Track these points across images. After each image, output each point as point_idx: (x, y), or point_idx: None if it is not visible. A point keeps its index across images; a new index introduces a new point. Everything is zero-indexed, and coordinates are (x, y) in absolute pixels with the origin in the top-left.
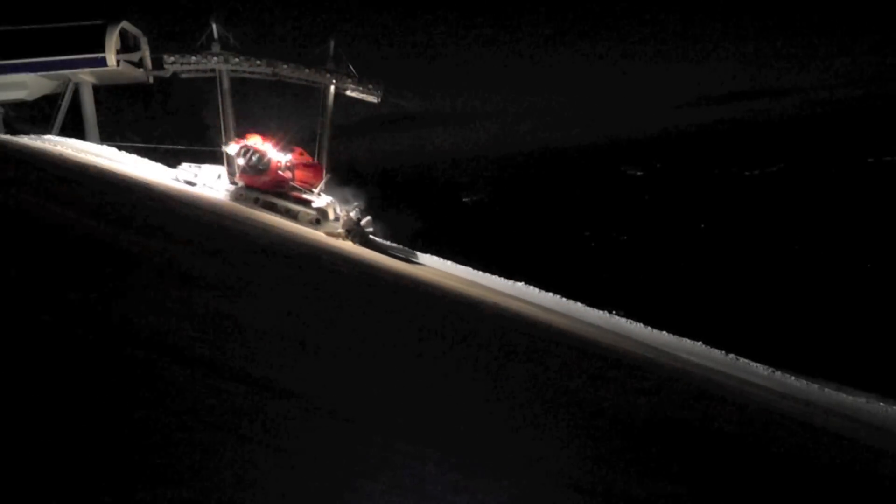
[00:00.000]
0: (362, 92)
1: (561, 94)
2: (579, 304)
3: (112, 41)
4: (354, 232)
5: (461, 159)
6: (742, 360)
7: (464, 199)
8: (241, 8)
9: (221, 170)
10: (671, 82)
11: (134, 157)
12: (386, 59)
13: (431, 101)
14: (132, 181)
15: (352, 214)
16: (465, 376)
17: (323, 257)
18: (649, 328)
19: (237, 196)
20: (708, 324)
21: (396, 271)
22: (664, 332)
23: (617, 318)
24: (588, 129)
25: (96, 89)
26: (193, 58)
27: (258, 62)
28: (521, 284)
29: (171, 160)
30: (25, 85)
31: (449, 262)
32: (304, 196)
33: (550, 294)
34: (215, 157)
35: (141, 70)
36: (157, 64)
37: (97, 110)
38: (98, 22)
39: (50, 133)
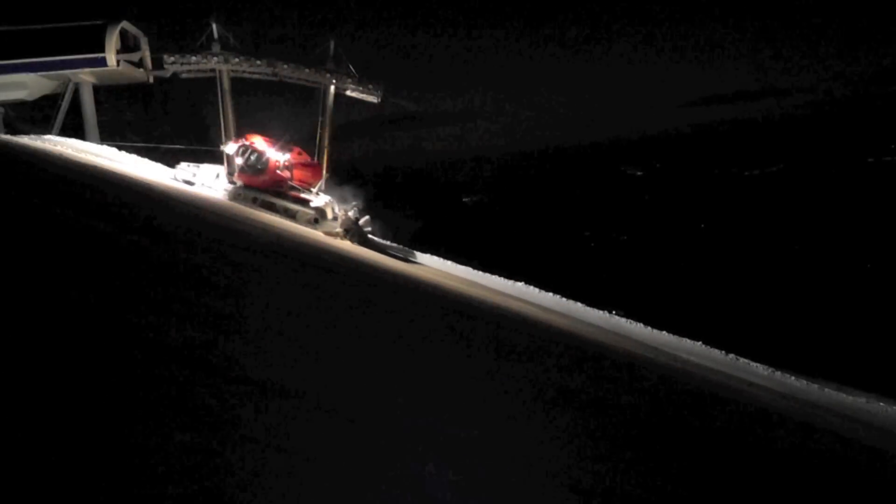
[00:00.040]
0: (362, 92)
1: (561, 93)
2: (579, 304)
3: (112, 41)
4: (353, 231)
5: (461, 159)
6: (742, 360)
7: (464, 200)
8: (241, 8)
9: (220, 169)
10: (671, 82)
11: (134, 157)
12: (386, 59)
13: (431, 101)
14: (132, 181)
15: (350, 214)
16: (465, 376)
17: (323, 257)
18: (649, 328)
19: (236, 195)
20: (708, 324)
21: (396, 271)
22: (664, 332)
23: (617, 318)
24: (588, 128)
25: (96, 89)
26: (193, 58)
27: (258, 62)
28: (521, 284)
29: (171, 160)
30: (25, 85)
31: (449, 262)
32: (303, 195)
33: (550, 294)
34: (215, 157)
35: (141, 70)
36: (157, 64)
37: (97, 110)
38: (98, 22)
39: (50, 133)
